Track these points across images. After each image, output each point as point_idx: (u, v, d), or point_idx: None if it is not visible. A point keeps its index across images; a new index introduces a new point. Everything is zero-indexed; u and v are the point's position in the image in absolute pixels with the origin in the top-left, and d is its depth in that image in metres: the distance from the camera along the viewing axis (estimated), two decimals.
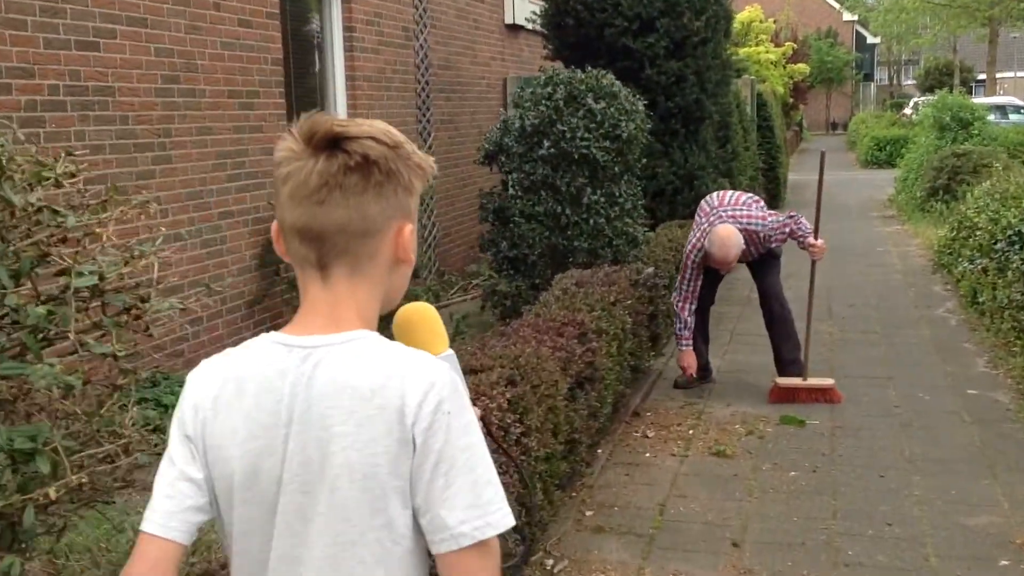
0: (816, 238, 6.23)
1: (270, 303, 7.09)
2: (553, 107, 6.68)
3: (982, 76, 41.27)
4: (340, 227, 1.41)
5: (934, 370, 6.95)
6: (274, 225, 1.51)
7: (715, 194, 6.54)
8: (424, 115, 9.88)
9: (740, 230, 6.12)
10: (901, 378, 6.77)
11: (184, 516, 1.46)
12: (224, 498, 1.47)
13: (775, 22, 34.19)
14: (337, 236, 1.42)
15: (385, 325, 1.52)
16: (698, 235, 6.29)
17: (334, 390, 1.39)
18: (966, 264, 9.10)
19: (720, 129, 11.25)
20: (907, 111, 34.91)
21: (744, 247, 6.16)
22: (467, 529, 1.35)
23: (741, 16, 30.73)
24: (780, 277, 6.64)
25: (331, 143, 1.41)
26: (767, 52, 28.76)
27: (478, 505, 1.36)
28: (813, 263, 6.37)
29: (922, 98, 36.18)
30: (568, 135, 6.61)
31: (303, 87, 8.09)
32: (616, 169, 6.83)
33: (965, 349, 7.49)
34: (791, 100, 34.47)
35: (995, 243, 8.11)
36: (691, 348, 6.49)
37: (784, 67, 30.74)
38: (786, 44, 31.80)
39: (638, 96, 7.27)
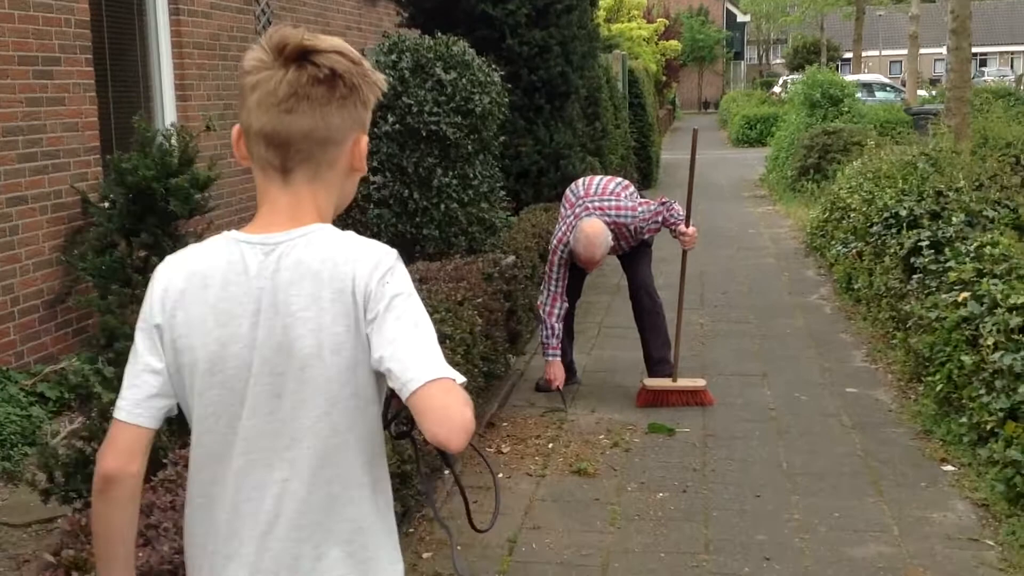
0: (688, 225, 5.68)
1: (75, 303, 6.17)
2: (398, 77, 5.94)
3: (848, 55, 42.09)
4: (305, 134, 1.54)
5: (810, 365, 6.50)
6: (236, 128, 1.60)
7: (581, 181, 5.93)
8: None
9: (608, 223, 5.55)
10: (776, 375, 6.31)
11: (149, 403, 1.58)
12: (189, 383, 1.57)
13: None
14: (302, 142, 1.55)
15: None
16: (563, 229, 5.68)
17: (296, 277, 1.52)
18: (839, 247, 8.74)
19: (588, 105, 10.68)
20: (776, 89, 35.24)
21: (613, 243, 5.59)
22: (416, 374, 1.44)
23: None
24: (651, 266, 6.08)
25: (300, 55, 1.52)
26: (639, 28, 28.50)
27: (422, 355, 1.47)
28: (684, 252, 5.83)
29: (791, 76, 36.64)
30: (415, 109, 5.89)
31: (120, 54, 7.14)
32: (470, 148, 6.14)
33: (842, 341, 7.08)
34: (664, 78, 34.44)
35: (870, 226, 7.74)
36: (558, 359, 5.87)
37: (656, 44, 30.57)
38: (658, 21, 31.63)
39: (496, 67, 6.61)
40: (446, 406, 1.43)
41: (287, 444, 1.54)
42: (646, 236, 5.78)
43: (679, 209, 5.74)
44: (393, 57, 5.99)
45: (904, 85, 30.11)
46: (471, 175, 6.19)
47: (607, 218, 5.57)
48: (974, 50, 14.14)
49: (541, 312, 5.82)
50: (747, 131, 27.46)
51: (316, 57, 1.52)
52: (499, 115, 6.38)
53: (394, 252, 1.56)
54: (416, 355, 1.46)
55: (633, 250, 5.92)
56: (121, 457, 1.57)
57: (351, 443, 1.56)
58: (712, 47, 49.11)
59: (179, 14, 7.55)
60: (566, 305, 5.82)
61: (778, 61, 62.96)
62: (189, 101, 7.72)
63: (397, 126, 5.90)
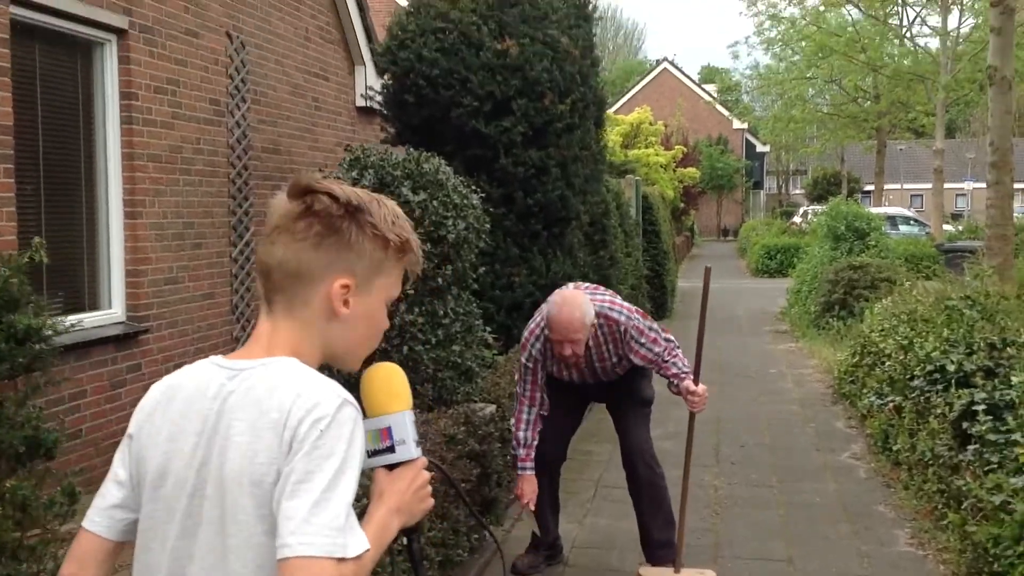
0: (697, 382, 4.69)
1: None
2: None
3: (869, 187, 41.56)
4: (278, 265, 1.58)
5: (846, 549, 5.41)
6: None
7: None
8: (240, 205, 8.17)
9: (596, 314, 4.61)
10: (805, 560, 5.21)
11: (109, 512, 1.61)
12: (141, 495, 1.58)
13: (666, 126, 33.80)
14: (275, 272, 1.58)
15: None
16: (537, 320, 4.76)
17: (244, 403, 1.51)
18: (873, 399, 7.70)
19: (595, 232, 9.81)
20: (796, 219, 34.63)
21: (598, 337, 4.67)
22: (293, 541, 1.39)
23: (630, 118, 30.18)
24: (649, 429, 5.07)
25: (300, 192, 1.59)
26: (656, 155, 28.03)
27: (310, 522, 1.39)
28: (692, 415, 4.82)
29: (811, 207, 36.03)
30: None
31: (58, 164, 6.33)
32: (439, 281, 5.21)
33: (881, 515, 5.99)
34: (682, 204, 33.92)
35: (910, 378, 6.71)
36: (528, 472, 4.83)
37: (674, 170, 30.07)
38: (676, 148, 31.23)
39: (485, 189, 5.75)
40: None
41: (199, 572, 1.51)
42: (637, 360, 4.75)
43: (684, 361, 4.77)
44: (354, 174, 5.12)
45: (926, 218, 29.38)
46: (441, 312, 5.25)
47: (596, 308, 4.64)
48: (1016, 186, 13.33)
49: (511, 422, 4.91)
50: (767, 261, 26.66)
51: (309, 195, 1.57)
52: (477, 243, 5.47)
53: (342, 399, 1.50)
54: (303, 518, 1.40)
55: (625, 393, 4.91)
56: (73, 564, 1.61)
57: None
58: (731, 175, 48.81)
59: (132, 123, 6.77)
60: (538, 410, 4.84)
61: (798, 191, 62.69)
62: (139, 219, 6.88)
63: None
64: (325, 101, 10.02)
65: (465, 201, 5.32)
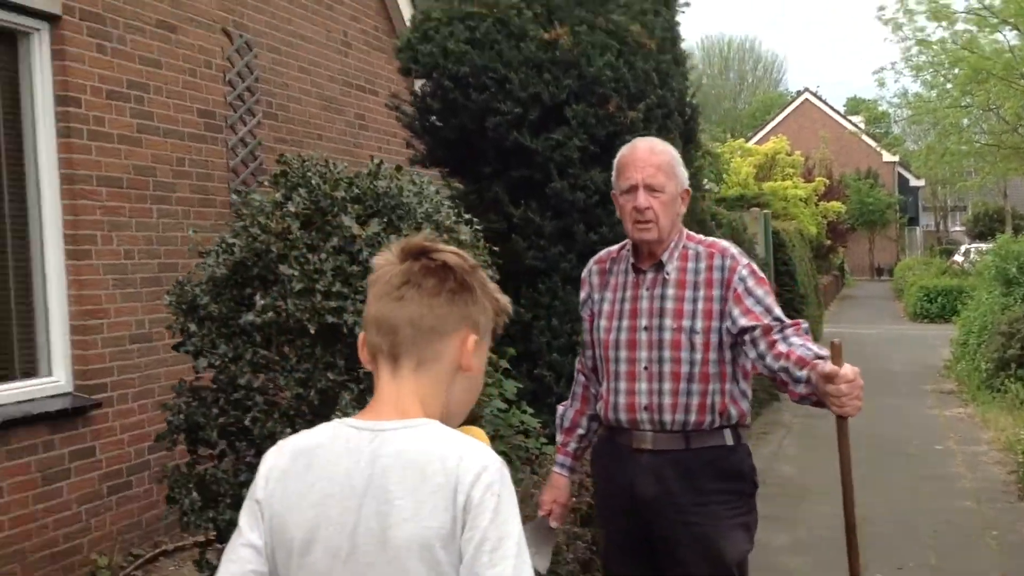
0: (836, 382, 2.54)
1: None
2: (281, 230, 3.26)
3: None
4: (412, 320, 1.60)
5: None
6: (361, 336, 1.68)
7: None
8: None
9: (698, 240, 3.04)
10: None
11: None
12: (283, 563, 1.59)
13: (807, 159, 31.24)
14: (408, 328, 1.60)
15: None
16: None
17: (398, 466, 1.53)
18: None
19: None
20: (958, 258, 31.52)
21: (687, 265, 2.97)
22: None
23: (764, 148, 27.82)
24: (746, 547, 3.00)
25: (419, 252, 1.65)
26: (795, 187, 25.56)
27: None
28: (841, 425, 2.64)
29: (973, 244, 32.80)
30: (297, 287, 3.18)
31: None
32: None
33: None
34: (828, 242, 31.23)
35: None
36: (559, 472, 3.21)
37: (816, 205, 27.50)
38: (817, 180, 28.65)
39: (521, 220, 3.91)
40: None
41: None
42: (739, 318, 2.86)
43: (819, 346, 2.75)
44: (278, 196, 3.34)
45: None
46: None
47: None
48: None
49: None
50: (927, 304, 23.88)
51: (433, 252, 1.64)
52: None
53: (501, 460, 1.55)
54: None
55: (697, 546, 2.90)
56: None
57: None
58: (883, 211, 45.43)
59: (71, 135, 5.20)
60: (593, 386, 3.19)
61: (957, 228, 58.46)
62: (87, 259, 5.29)
63: (269, 314, 3.16)
64: (373, 119, 8.36)
65: (450, 235, 3.46)
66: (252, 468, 2.81)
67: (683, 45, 6.62)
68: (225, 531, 3.17)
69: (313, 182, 3.36)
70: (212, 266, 3.28)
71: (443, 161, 6.06)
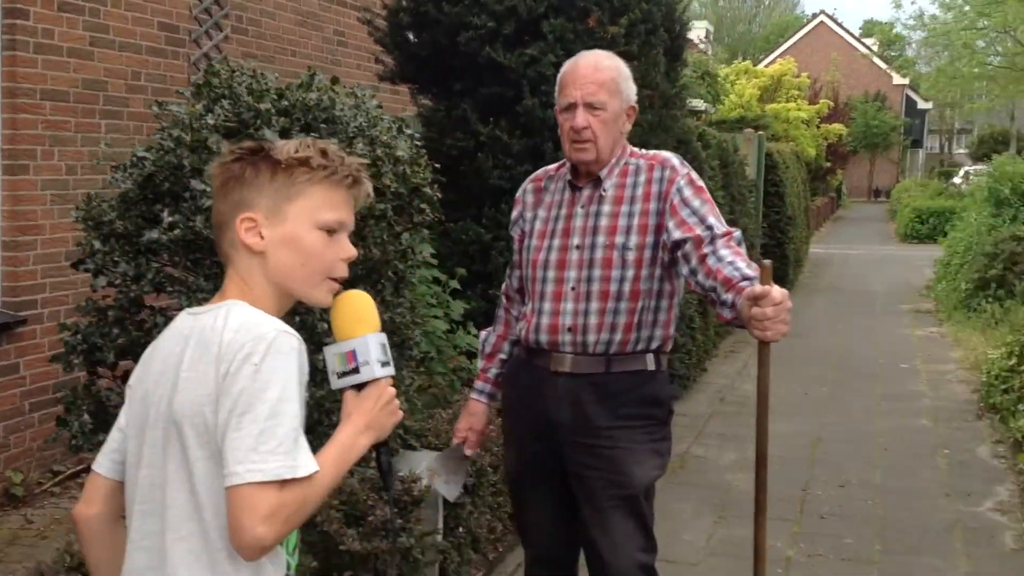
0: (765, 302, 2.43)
1: None
2: (197, 142, 3.29)
3: None
4: (214, 223, 1.78)
5: None
6: None
7: None
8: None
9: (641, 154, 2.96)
10: None
11: (110, 456, 1.79)
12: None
13: (815, 81, 30.90)
14: (215, 230, 1.77)
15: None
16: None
17: (193, 343, 1.65)
18: None
19: None
20: (956, 180, 31.36)
21: (627, 178, 2.89)
22: (241, 470, 1.53)
23: (770, 70, 27.54)
24: (651, 536, 2.99)
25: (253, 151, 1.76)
26: (798, 109, 25.34)
27: (257, 450, 1.54)
28: (762, 349, 2.56)
29: (974, 167, 32.54)
30: (207, 205, 3.22)
31: None
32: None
33: None
34: (828, 164, 31.05)
35: None
36: (476, 398, 3.17)
37: (817, 127, 27.29)
38: (821, 102, 28.38)
39: (491, 138, 3.90)
40: (238, 518, 1.53)
41: (142, 502, 1.70)
42: (673, 230, 2.78)
43: (749, 263, 2.65)
44: (200, 107, 3.37)
45: None
46: None
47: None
48: None
49: None
50: (917, 225, 23.86)
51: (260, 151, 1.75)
52: (417, 217, 3.66)
53: (278, 331, 1.61)
54: (250, 447, 1.53)
55: (604, 471, 2.87)
56: (83, 502, 1.79)
57: (206, 505, 1.62)
58: (888, 134, 45.00)
59: (16, 48, 5.19)
60: (515, 309, 3.15)
61: (961, 151, 57.94)
62: (23, 174, 5.28)
63: (176, 231, 3.18)
64: (352, 35, 8.31)
65: (391, 149, 3.51)
66: None
67: None
68: None
69: (238, 93, 3.39)
70: (121, 180, 3.29)
71: (413, 77, 6.06)
